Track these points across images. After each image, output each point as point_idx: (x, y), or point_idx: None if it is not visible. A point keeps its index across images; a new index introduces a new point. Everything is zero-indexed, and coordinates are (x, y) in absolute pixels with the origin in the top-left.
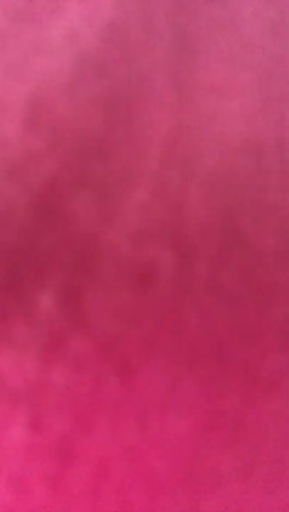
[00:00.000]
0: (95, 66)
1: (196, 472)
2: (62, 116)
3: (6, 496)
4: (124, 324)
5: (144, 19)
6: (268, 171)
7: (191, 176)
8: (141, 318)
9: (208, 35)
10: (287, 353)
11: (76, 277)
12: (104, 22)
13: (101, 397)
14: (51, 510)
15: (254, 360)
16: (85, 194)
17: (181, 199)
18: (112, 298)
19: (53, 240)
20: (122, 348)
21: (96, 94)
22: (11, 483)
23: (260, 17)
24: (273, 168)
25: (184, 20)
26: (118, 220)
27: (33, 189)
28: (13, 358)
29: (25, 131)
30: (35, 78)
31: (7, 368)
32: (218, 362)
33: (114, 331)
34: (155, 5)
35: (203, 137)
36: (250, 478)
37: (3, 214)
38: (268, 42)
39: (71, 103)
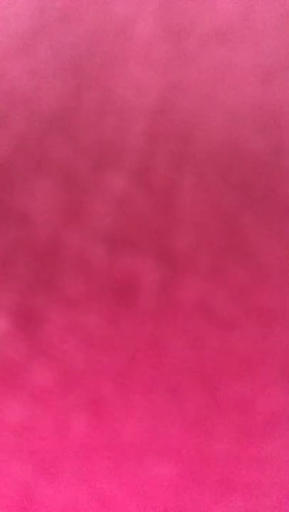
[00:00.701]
0: (58, 14)
1: None
2: (17, 80)
3: None
4: (95, 352)
5: None
6: (287, 154)
7: (183, 159)
8: (115, 344)
9: None
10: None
11: (35, 293)
12: None
13: (66, 437)
14: None
15: (249, 396)
16: (43, 183)
17: (170, 191)
18: (79, 319)
19: (4, 246)
20: (91, 380)
21: (60, 51)
22: None
23: None
24: None
25: None
26: (87, 218)
27: None
28: None
29: None
30: None
31: None
32: (207, 398)
33: (82, 359)
34: None
35: (202, 103)
36: None
37: None
38: None
39: (28, 62)
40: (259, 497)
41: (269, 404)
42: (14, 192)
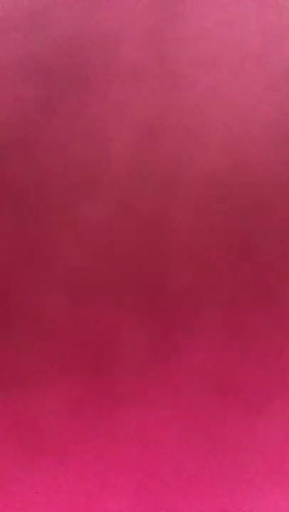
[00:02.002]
0: (26, 15)
1: None
2: None
3: None
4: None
5: None
6: None
7: (175, 182)
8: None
9: None
10: None
11: None
12: None
13: None
14: None
15: None
16: None
17: (160, 219)
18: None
19: None
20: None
21: (28, 61)
22: None
23: None
24: None
25: None
26: (48, 260)
27: None
28: None
29: None
30: None
31: None
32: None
33: None
34: None
35: (194, 126)
36: None
37: None
38: None
39: None
40: None
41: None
42: None
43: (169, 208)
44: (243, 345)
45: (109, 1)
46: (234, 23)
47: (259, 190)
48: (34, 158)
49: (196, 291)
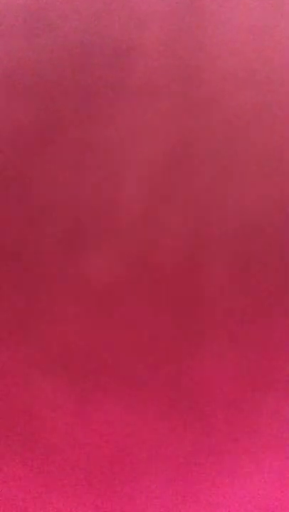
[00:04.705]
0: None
1: None
2: None
3: None
4: None
5: None
6: None
7: (203, 236)
8: None
9: None
10: None
11: None
12: None
13: None
14: None
15: None
16: None
17: (185, 287)
18: None
19: None
20: None
21: (23, 74)
22: None
23: None
24: None
25: None
26: (48, 340)
27: None
28: None
29: None
30: None
31: None
32: None
33: None
34: None
35: (218, 160)
36: None
37: None
38: None
39: None
40: None
41: None
42: None
43: (196, 261)
44: None
45: (121, 3)
46: (263, 31)
47: None
48: (27, 198)
49: (226, 371)
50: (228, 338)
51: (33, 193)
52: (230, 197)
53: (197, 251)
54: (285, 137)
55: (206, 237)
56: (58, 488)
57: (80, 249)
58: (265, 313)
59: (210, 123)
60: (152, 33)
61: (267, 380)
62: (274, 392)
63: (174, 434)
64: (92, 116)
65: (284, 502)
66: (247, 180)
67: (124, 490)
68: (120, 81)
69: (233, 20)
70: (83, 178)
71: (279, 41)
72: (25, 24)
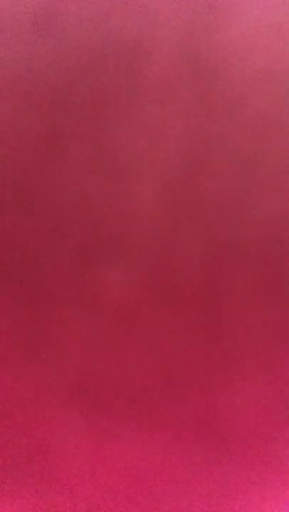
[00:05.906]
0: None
1: None
2: None
3: None
4: None
5: None
6: None
7: (225, 251)
8: None
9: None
10: None
11: None
12: None
13: None
14: None
15: None
16: None
17: (205, 308)
18: None
19: None
20: None
21: (29, 79)
22: None
23: None
24: None
25: None
26: (58, 360)
27: None
28: None
29: None
30: None
31: None
32: None
33: None
34: None
35: (239, 172)
36: None
37: None
38: None
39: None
40: None
41: None
42: None
43: (216, 275)
44: None
45: (133, 3)
46: (282, 30)
47: None
48: (38, 210)
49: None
50: (257, 362)
51: (43, 204)
52: (251, 204)
53: (217, 264)
54: None
55: (226, 250)
56: None
57: (92, 264)
58: None
59: (229, 127)
60: (166, 33)
61: None
62: None
63: (197, 468)
64: (105, 123)
65: None
66: (268, 186)
67: None
68: (133, 85)
69: (251, 19)
70: (96, 187)
71: None
72: (32, 24)
